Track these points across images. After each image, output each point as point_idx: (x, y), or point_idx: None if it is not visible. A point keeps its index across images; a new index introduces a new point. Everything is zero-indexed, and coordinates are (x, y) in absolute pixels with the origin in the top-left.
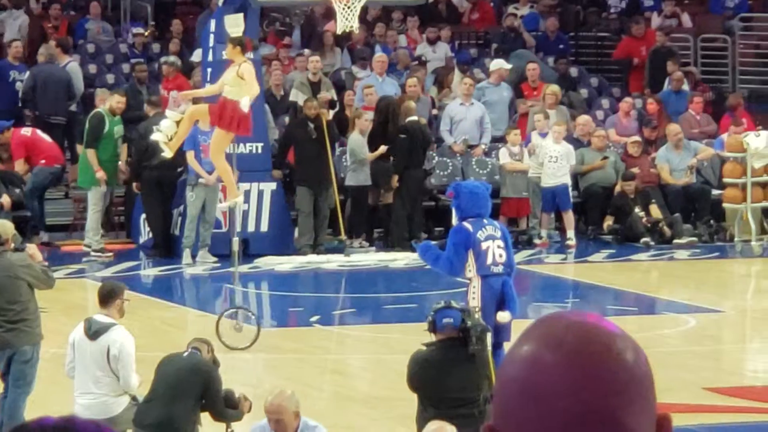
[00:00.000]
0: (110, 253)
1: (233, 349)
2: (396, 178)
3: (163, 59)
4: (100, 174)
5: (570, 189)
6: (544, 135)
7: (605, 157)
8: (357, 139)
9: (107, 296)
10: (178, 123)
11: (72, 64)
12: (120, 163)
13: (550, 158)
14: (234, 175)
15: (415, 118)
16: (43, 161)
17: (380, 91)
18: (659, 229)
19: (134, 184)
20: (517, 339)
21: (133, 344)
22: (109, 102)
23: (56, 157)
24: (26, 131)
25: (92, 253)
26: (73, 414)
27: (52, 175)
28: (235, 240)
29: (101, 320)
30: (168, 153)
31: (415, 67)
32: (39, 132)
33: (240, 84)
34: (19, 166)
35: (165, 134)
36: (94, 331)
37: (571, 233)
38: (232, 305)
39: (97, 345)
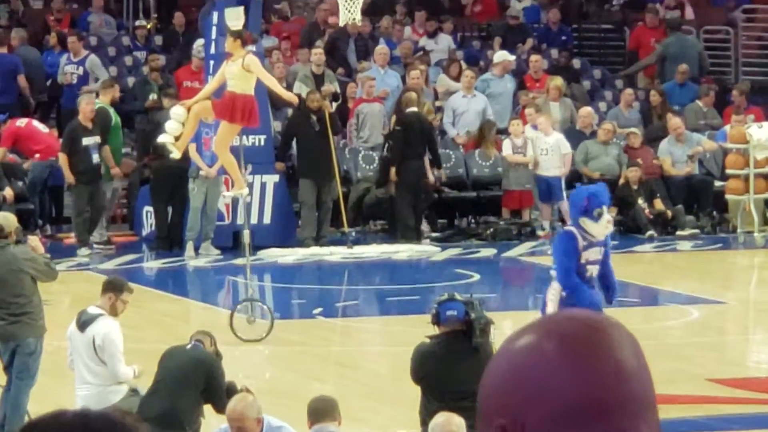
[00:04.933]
0: (112, 246)
1: (247, 341)
2: (393, 170)
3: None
4: (116, 171)
5: (563, 181)
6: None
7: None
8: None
9: (103, 288)
10: (183, 122)
11: (90, 57)
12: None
13: (542, 150)
14: (246, 169)
15: (414, 109)
16: (37, 155)
17: (382, 84)
18: (662, 219)
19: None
20: (512, 335)
21: (118, 334)
22: (111, 94)
23: (51, 149)
24: (21, 122)
25: (95, 246)
26: (85, 407)
27: (50, 167)
28: (246, 233)
29: (90, 311)
30: (176, 154)
31: (414, 60)
32: (36, 123)
33: (246, 77)
34: (1, 155)
35: (171, 135)
36: (82, 322)
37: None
38: (245, 298)
39: (85, 336)
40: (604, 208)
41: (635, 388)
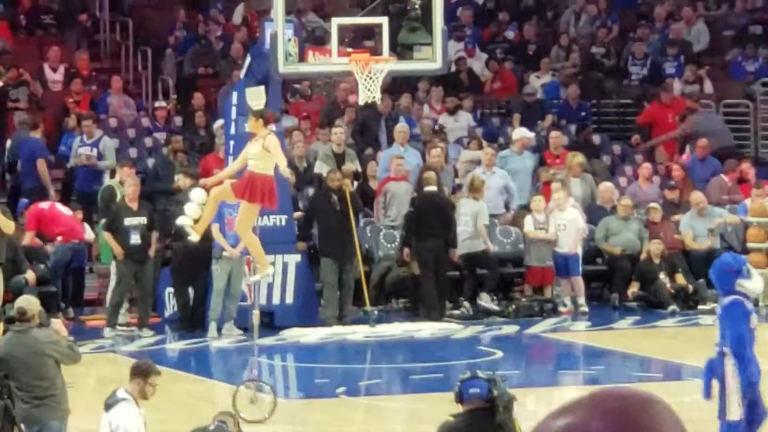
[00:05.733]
0: (133, 328)
1: (251, 422)
2: (406, 251)
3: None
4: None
5: (579, 257)
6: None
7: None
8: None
9: (130, 372)
10: (202, 205)
11: (104, 139)
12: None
13: (559, 226)
14: None
15: (432, 188)
16: (60, 237)
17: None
18: (684, 294)
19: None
20: (556, 412)
21: (132, 422)
22: (119, 174)
23: (74, 231)
24: (44, 205)
25: (117, 327)
26: None
27: (72, 250)
28: (256, 313)
29: (118, 394)
30: (194, 236)
31: (431, 138)
32: (58, 206)
33: (266, 157)
34: (28, 239)
35: (190, 217)
36: (107, 404)
37: (582, 300)
38: (247, 379)
39: (106, 418)
40: (748, 264)
41: None
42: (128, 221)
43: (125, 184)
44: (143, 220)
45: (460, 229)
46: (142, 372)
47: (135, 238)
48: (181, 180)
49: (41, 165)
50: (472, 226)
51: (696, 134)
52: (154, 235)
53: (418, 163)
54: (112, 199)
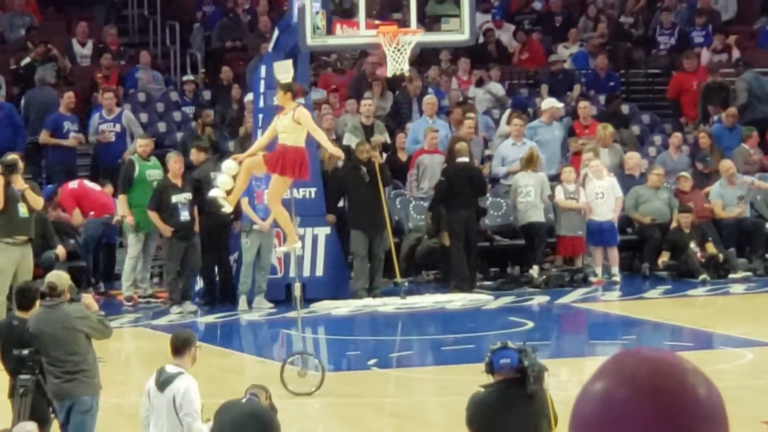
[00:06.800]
0: (159, 299)
1: (298, 394)
2: (429, 214)
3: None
4: (129, 219)
5: (616, 225)
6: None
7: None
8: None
9: (182, 346)
10: (234, 176)
11: (125, 113)
12: None
13: (597, 195)
14: (296, 221)
15: (464, 159)
16: (92, 213)
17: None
18: (715, 263)
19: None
20: (592, 376)
21: (196, 391)
22: (136, 147)
23: (105, 207)
24: (73, 184)
25: (124, 302)
26: None
27: (104, 225)
28: (297, 285)
29: (170, 370)
30: (227, 208)
31: (453, 108)
32: (87, 182)
33: (297, 129)
34: (77, 217)
35: (222, 189)
36: (162, 382)
37: (615, 269)
38: (293, 351)
39: (164, 396)
40: None
41: (708, 430)
42: (175, 198)
43: (170, 160)
44: (189, 195)
45: (519, 200)
46: (189, 341)
47: (185, 215)
48: (194, 154)
49: (44, 136)
50: (533, 197)
51: (741, 93)
52: (196, 210)
53: (447, 134)
54: (130, 170)
